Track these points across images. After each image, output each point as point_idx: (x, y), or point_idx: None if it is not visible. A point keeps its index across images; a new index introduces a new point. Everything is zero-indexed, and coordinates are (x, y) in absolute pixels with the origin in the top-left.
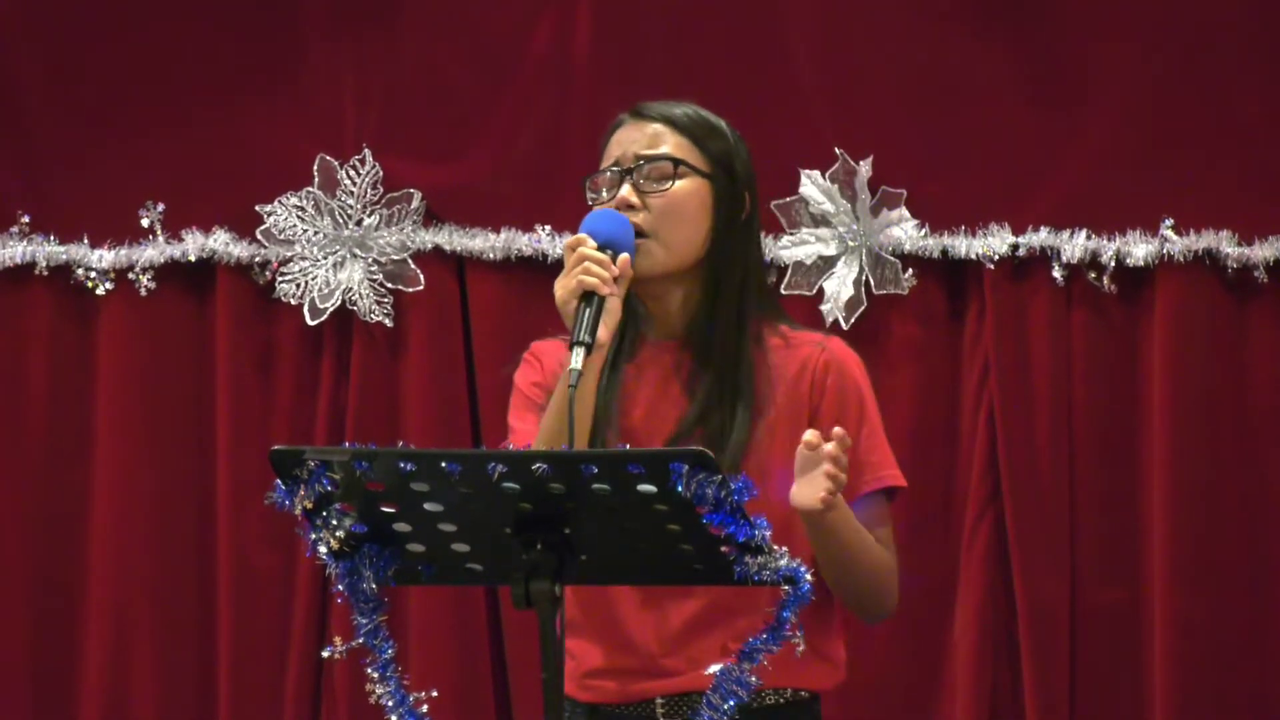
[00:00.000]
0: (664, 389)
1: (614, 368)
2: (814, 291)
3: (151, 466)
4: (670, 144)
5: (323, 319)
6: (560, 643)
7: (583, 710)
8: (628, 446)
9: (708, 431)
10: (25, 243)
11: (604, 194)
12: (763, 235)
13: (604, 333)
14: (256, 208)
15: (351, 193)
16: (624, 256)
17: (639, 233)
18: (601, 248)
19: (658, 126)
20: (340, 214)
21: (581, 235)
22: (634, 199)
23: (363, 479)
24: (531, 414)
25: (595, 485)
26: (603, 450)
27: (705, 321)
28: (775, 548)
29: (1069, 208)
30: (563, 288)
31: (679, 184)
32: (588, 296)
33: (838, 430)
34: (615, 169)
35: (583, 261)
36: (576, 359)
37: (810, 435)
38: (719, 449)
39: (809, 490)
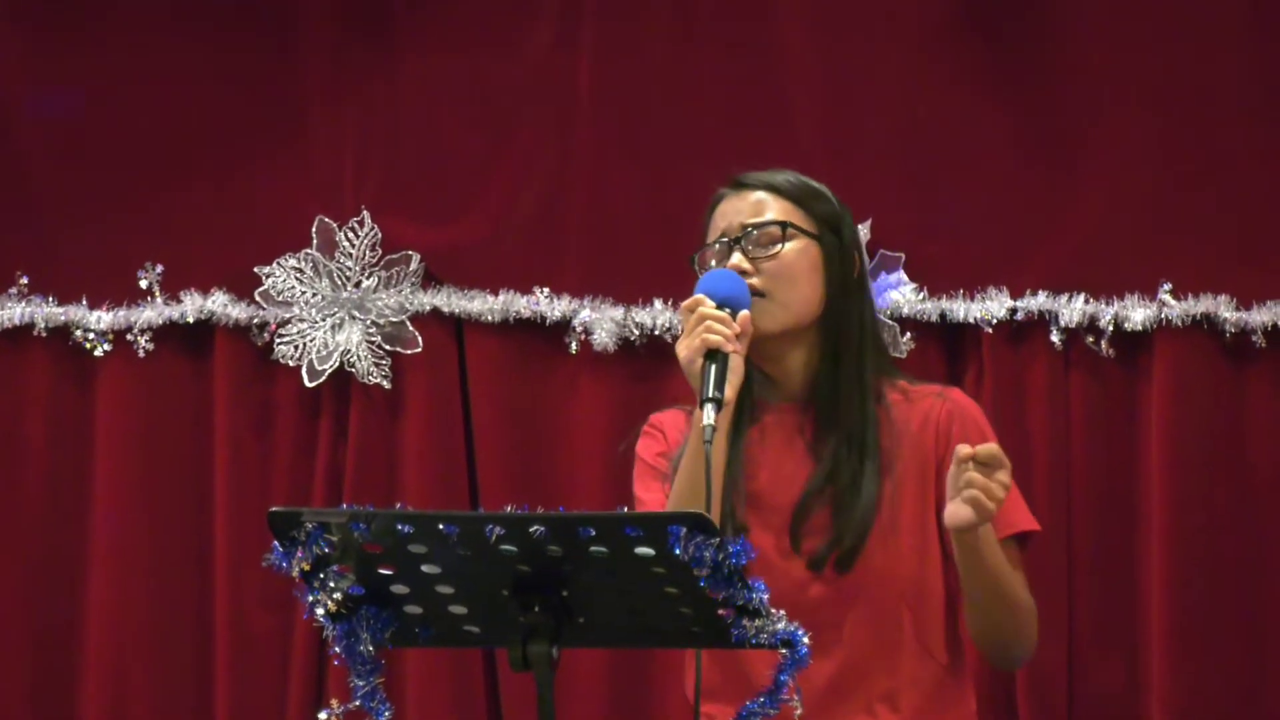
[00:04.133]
0: (788, 451)
1: (736, 433)
2: None
3: (149, 528)
4: (775, 209)
5: (321, 381)
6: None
7: None
8: (752, 512)
9: (836, 490)
10: (24, 304)
11: (713, 266)
12: None
13: (729, 391)
14: (255, 269)
15: (350, 254)
16: (744, 313)
17: (755, 293)
18: (719, 306)
19: (760, 194)
20: (339, 276)
21: (699, 296)
22: (746, 264)
23: (360, 540)
24: (657, 483)
25: (593, 548)
26: (600, 512)
27: (827, 381)
28: (773, 611)
29: (1067, 272)
30: (686, 348)
31: (788, 245)
32: (712, 354)
33: (986, 447)
34: (723, 240)
35: (704, 320)
36: (709, 415)
37: (962, 449)
38: (849, 506)
39: (963, 506)
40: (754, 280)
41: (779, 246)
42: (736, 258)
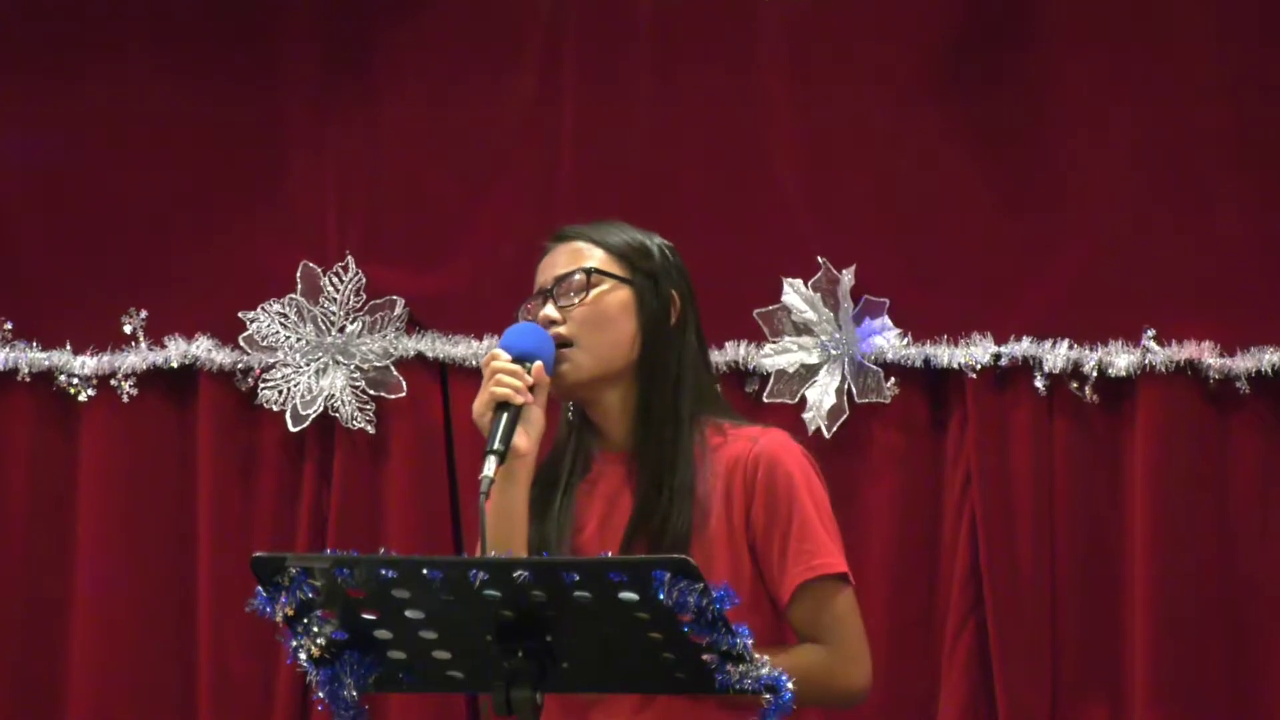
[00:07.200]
0: (616, 501)
1: (567, 489)
2: (796, 400)
3: (132, 572)
4: (587, 259)
5: (305, 426)
6: None
7: None
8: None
9: (649, 533)
10: (7, 349)
11: (528, 318)
12: (744, 342)
13: (526, 442)
14: (239, 314)
15: (334, 299)
16: (537, 364)
17: (563, 342)
18: (518, 360)
19: (576, 244)
20: (323, 321)
21: (495, 351)
22: (554, 314)
23: (344, 586)
24: None
25: (577, 593)
26: (584, 558)
27: (642, 423)
28: (757, 656)
29: (1051, 318)
30: (478, 401)
31: (595, 292)
32: (502, 407)
33: None
34: (539, 294)
35: (495, 374)
36: (489, 467)
37: None
38: (658, 548)
39: None
40: (562, 329)
41: (585, 294)
42: (547, 308)
